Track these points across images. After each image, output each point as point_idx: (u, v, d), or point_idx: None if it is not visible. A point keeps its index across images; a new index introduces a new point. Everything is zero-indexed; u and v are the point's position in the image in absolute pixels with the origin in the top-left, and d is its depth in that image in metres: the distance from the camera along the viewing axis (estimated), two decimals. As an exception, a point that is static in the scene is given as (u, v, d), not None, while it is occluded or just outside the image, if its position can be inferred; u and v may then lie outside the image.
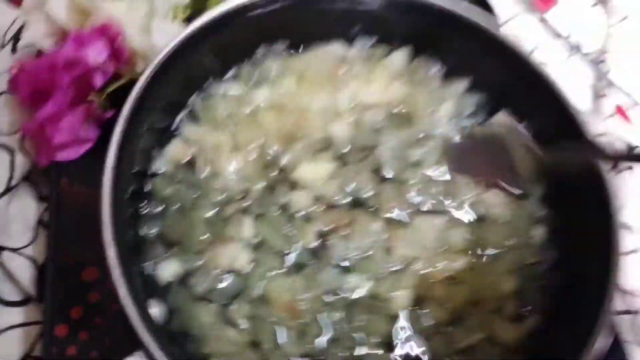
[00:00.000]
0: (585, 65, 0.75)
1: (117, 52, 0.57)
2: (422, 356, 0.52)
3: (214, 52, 0.57)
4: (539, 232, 0.57)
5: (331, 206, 0.55)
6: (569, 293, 0.53)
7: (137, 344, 0.44)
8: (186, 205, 0.55)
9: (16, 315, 0.57)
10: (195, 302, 0.51)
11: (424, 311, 0.53)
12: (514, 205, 0.57)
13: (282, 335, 0.51)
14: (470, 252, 0.55)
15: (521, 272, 0.55)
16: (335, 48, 0.62)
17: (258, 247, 0.54)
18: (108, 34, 0.56)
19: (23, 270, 0.58)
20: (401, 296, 0.52)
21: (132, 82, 0.52)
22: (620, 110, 0.71)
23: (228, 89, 0.60)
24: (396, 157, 0.58)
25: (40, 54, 0.63)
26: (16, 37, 0.67)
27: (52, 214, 0.58)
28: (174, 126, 0.58)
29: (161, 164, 0.57)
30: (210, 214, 0.54)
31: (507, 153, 0.57)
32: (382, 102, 0.60)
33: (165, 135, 0.58)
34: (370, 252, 0.54)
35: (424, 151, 0.58)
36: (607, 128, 0.69)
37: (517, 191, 0.58)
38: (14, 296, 0.58)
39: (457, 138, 0.60)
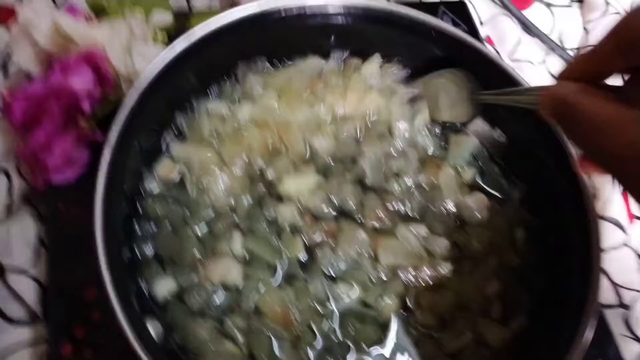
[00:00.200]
0: (564, 63, 0.76)
1: (103, 77, 0.58)
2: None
3: (195, 72, 0.58)
4: (520, 235, 0.58)
5: (317, 217, 0.57)
6: (554, 293, 0.54)
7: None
8: (178, 223, 0.56)
9: (23, 334, 0.58)
10: (191, 318, 0.53)
11: (412, 317, 0.54)
12: (495, 208, 0.58)
13: (278, 347, 0.52)
14: (453, 257, 0.56)
15: (505, 275, 0.56)
16: (312, 62, 0.63)
17: (249, 261, 0.55)
18: (93, 60, 0.57)
19: (27, 289, 0.60)
20: (389, 303, 0.53)
21: (118, 104, 0.53)
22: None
23: (211, 107, 0.60)
24: (377, 168, 0.58)
25: (30, 79, 0.64)
26: (6, 61, 0.68)
27: (51, 236, 0.60)
28: (163, 145, 0.59)
29: (152, 184, 0.58)
30: (200, 231, 0.55)
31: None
32: (358, 114, 0.61)
33: (155, 155, 0.59)
34: (357, 261, 0.55)
35: (403, 160, 0.59)
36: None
37: (497, 194, 0.60)
38: (20, 315, 0.59)
39: (432, 148, 0.61)
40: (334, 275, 0.55)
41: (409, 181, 0.59)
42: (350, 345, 0.53)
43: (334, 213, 0.57)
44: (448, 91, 0.59)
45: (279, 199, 0.57)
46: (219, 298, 0.53)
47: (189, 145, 0.59)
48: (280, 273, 0.54)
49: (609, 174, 0.38)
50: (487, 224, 0.58)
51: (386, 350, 0.53)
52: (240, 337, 0.52)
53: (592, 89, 0.38)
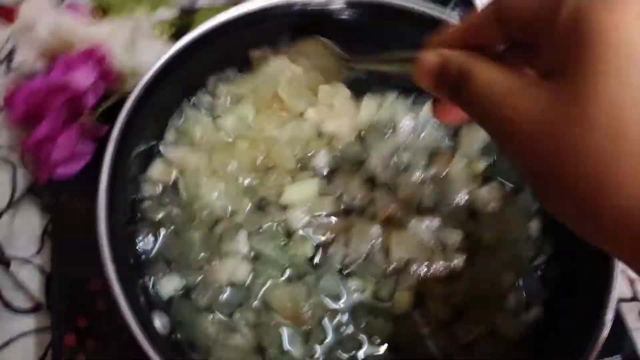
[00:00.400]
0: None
1: (105, 73, 0.57)
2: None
3: (201, 68, 0.58)
4: (534, 226, 0.57)
5: (327, 215, 0.56)
6: (569, 284, 0.53)
7: (144, 355, 0.45)
8: (179, 226, 0.55)
9: (27, 322, 0.59)
10: (198, 314, 0.52)
11: (426, 310, 0.53)
12: (508, 199, 0.57)
13: (288, 340, 0.51)
14: (467, 248, 0.55)
15: (519, 266, 0.55)
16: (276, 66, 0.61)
17: (256, 258, 0.54)
18: (95, 56, 0.57)
19: (32, 279, 0.60)
20: (403, 297, 0.53)
21: (123, 99, 0.53)
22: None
23: (193, 115, 0.60)
24: (386, 164, 0.58)
25: (33, 75, 0.63)
26: (9, 57, 0.67)
27: (55, 228, 0.60)
28: (161, 146, 0.59)
29: (147, 187, 0.57)
30: (202, 233, 0.55)
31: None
32: (350, 126, 0.60)
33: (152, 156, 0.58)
34: (369, 256, 0.54)
35: (412, 154, 0.58)
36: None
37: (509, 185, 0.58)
38: (25, 304, 0.59)
39: (441, 140, 0.61)
40: (346, 270, 0.54)
41: (419, 174, 0.58)
42: (363, 339, 0.52)
43: (344, 210, 0.56)
44: (316, 56, 0.56)
45: (283, 207, 0.56)
46: (226, 295, 0.53)
47: (181, 149, 0.58)
48: (289, 271, 0.54)
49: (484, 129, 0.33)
50: (500, 214, 0.56)
51: (399, 343, 0.52)
52: (248, 332, 0.51)
53: (483, 57, 0.33)
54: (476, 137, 0.60)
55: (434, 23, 0.56)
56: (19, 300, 0.60)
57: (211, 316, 0.52)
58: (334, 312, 0.53)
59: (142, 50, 0.59)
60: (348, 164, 0.59)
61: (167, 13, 0.65)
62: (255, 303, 0.52)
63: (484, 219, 0.57)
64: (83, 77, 0.56)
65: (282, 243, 0.55)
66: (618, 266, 0.48)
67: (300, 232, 0.55)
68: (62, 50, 0.60)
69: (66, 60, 0.57)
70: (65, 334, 0.55)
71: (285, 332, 0.52)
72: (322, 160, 0.58)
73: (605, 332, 0.47)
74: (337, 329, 0.52)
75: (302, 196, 0.56)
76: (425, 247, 0.55)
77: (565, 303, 0.53)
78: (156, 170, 0.58)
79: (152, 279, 0.53)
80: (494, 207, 0.57)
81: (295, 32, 0.58)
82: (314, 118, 0.60)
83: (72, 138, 0.58)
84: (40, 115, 0.58)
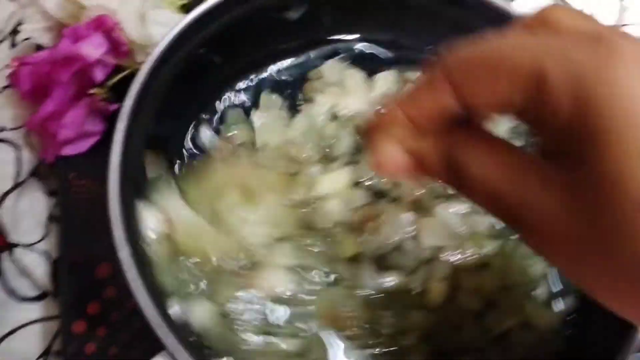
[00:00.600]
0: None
1: (116, 45, 0.54)
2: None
3: (216, 41, 0.54)
4: None
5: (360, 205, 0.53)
6: None
7: (157, 341, 0.41)
8: None
9: (34, 310, 0.56)
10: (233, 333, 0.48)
11: (457, 301, 0.51)
12: None
13: (330, 345, 0.48)
14: (495, 236, 0.53)
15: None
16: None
17: (297, 269, 0.51)
18: (104, 26, 0.54)
19: (37, 265, 0.57)
20: (436, 288, 0.51)
21: (133, 74, 0.49)
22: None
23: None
24: None
25: (40, 49, 0.60)
26: (15, 31, 0.64)
27: (62, 210, 0.57)
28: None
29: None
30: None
31: None
32: (366, 104, 0.57)
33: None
34: (400, 246, 0.51)
35: None
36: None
37: None
38: (30, 292, 0.57)
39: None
40: (379, 262, 0.51)
41: None
42: (399, 332, 0.50)
43: (371, 195, 0.54)
44: None
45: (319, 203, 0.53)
46: (268, 311, 0.49)
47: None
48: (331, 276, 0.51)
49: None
50: None
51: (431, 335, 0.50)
52: (290, 339, 0.48)
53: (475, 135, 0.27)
54: (503, 120, 0.57)
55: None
56: (24, 288, 0.57)
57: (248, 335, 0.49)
58: (372, 309, 0.50)
59: (152, 22, 0.55)
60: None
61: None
62: (299, 314, 0.49)
63: None
64: (92, 48, 0.52)
65: (323, 247, 0.52)
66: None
67: (339, 227, 0.52)
68: (70, 23, 0.56)
69: (74, 30, 0.53)
70: (74, 321, 0.52)
71: (327, 337, 0.48)
72: (343, 145, 0.56)
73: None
74: (374, 324, 0.49)
75: (334, 186, 0.53)
76: (454, 234, 0.52)
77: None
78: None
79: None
80: None
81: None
82: (325, 103, 0.57)
83: (80, 115, 0.55)
84: (46, 91, 0.55)
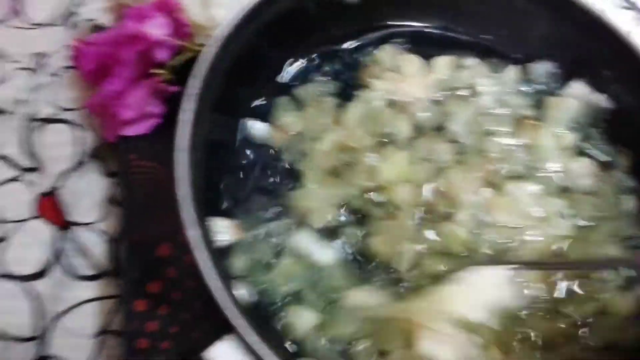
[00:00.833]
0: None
1: (179, 26, 0.54)
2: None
3: (282, 24, 0.54)
4: (631, 203, 0.54)
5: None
6: None
7: (219, 321, 0.41)
8: None
9: (91, 289, 0.57)
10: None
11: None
12: (600, 175, 0.55)
13: None
14: (567, 220, 0.52)
15: (621, 242, 0.52)
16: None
17: None
18: (167, 7, 0.54)
19: (96, 245, 0.58)
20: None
21: (195, 57, 0.49)
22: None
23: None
24: (469, 131, 0.55)
25: (100, 30, 0.61)
26: (76, 13, 0.65)
27: (123, 190, 0.57)
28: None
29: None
30: None
31: None
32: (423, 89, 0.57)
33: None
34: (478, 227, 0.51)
35: (495, 120, 0.56)
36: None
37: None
38: (88, 270, 0.57)
39: (526, 108, 0.57)
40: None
41: (506, 140, 0.55)
42: None
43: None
44: None
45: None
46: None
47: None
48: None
49: None
50: (593, 191, 0.54)
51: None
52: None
53: None
54: (565, 108, 0.57)
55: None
56: (82, 267, 0.58)
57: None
58: None
59: (217, 4, 0.55)
60: (428, 130, 0.56)
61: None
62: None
63: (576, 194, 0.54)
64: (156, 28, 0.52)
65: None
66: None
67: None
68: (131, 4, 0.56)
69: (138, 10, 0.53)
70: (136, 300, 0.52)
71: None
72: (401, 130, 0.55)
73: None
74: None
75: (395, 171, 0.52)
76: (528, 215, 0.52)
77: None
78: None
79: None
80: (586, 182, 0.54)
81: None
82: (382, 89, 0.57)
83: (141, 96, 0.55)
84: (108, 71, 0.55)
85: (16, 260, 0.57)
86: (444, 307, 0.46)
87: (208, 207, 0.48)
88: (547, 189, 0.53)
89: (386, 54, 0.59)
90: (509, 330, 0.47)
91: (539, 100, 0.58)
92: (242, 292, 0.47)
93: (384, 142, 0.55)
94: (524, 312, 0.48)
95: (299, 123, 0.55)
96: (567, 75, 0.58)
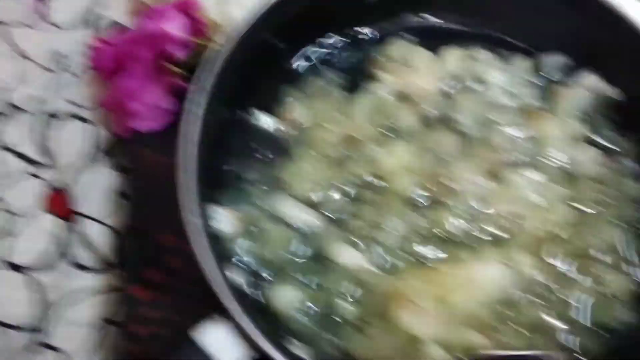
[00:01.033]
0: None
1: (197, 25, 0.56)
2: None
3: (299, 22, 0.55)
4: (636, 188, 0.53)
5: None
6: None
7: (218, 308, 0.42)
8: None
9: (96, 281, 0.58)
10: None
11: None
12: (609, 165, 0.54)
13: None
14: (570, 207, 0.52)
15: (627, 226, 0.52)
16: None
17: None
18: (187, 7, 0.56)
19: (102, 238, 0.59)
20: (523, 260, 0.49)
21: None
22: None
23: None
24: (477, 122, 0.55)
25: (120, 30, 0.63)
26: (97, 14, 0.68)
27: (133, 183, 0.58)
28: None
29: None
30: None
31: None
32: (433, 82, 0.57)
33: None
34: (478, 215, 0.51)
35: (503, 111, 0.56)
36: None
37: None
38: (93, 263, 0.58)
39: (535, 99, 0.57)
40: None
41: (513, 132, 0.55)
42: None
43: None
44: None
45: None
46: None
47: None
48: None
49: None
50: (601, 178, 0.53)
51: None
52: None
53: None
54: (574, 99, 0.57)
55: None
56: (88, 259, 0.59)
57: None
58: None
59: (235, 2, 0.57)
60: (436, 122, 0.56)
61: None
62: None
63: (581, 180, 0.54)
64: (175, 27, 0.54)
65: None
66: None
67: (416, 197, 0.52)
68: (150, 4, 0.59)
69: (158, 10, 0.56)
70: (136, 288, 0.53)
71: None
72: (408, 123, 0.56)
73: None
74: None
75: (398, 162, 0.53)
76: (530, 203, 0.52)
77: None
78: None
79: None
80: (593, 171, 0.54)
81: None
82: (391, 82, 0.57)
83: (157, 93, 0.57)
84: (126, 67, 0.57)
85: (23, 252, 0.59)
86: (432, 288, 0.46)
87: (209, 195, 0.49)
88: (552, 178, 0.53)
89: (396, 47, 0.59)
90: (496, 317, 0.47)
91: (548, 92, 0.57)
92: (238, 277, 0.48)
93: (389, 135, 0.55)
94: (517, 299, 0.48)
95: (306, 114, 0.56)
96: (577, 66, 0.58)
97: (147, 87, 0.56)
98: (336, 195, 0.52)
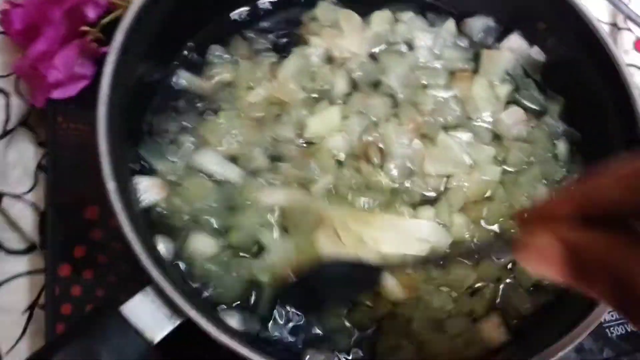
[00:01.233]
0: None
1: (110, -17, 0.54)
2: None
3: None
4: (561, 148, 0.56)
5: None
6: None
7: (144, 280, 0.40)
8: None
9: (21, 263, 0.54)
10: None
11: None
12: (533, 122, 0.56)
13: None
14: (498, 165, 0.54)
15: (552, 186, 0.54)
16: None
17: None
18: (98, -37, 0.53)
19: (25, 217, 0.55)
20: (459, 222, 0.51)
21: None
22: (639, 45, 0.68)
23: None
24: (404, 84, 0.55)
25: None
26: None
27: (51, 154, 0.55)
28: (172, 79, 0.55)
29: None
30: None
31: None
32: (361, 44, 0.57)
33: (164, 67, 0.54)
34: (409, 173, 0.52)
35: (431, 72, 0.56)
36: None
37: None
38: (18, 244, 0.55)
39: (461, 61, 0.58)
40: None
41: (440, 93, 0.55)
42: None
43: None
44: None
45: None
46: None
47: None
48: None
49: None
50: (526, 137, 0.55)
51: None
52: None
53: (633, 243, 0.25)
54: (499, 61, 0.58)
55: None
56: (13, 241, 0.55)
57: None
58: None
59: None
60: (365, 85, 0.56)
61: None
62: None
63: (508, 141, 0.55)
64: (85, -17, 0.51)
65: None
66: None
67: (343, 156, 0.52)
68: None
69: (66, -32, 0.52)
70: (60, 265, 0.51)
71: None
72: (337, 86, 0.55)
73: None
74: None
75: (326, 125, 0.52)
76: (458, 163, 0.52)
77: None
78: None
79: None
80: (518, 130, 0.55)
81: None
82: (319, 45, 0.57)
83: (70, 57, 0.53)
84: (38, 32, 0.53)
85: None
86: (357, 227, 0.47)
87: (131, 158, 0.48)
88: (479, 138, 0.54)
89: (324, 10, 0.58)
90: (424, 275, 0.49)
91: (475, 54, 0.59)
92: (163, 247, 0.47)
93: (318, 97, 0.55)
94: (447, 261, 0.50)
95: (230, 74, 0.55)
96: (503, 29, 0.59)
97: (59, 51, 0.53)
98: (258, 153, 0.51)
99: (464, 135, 0.53)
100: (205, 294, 0.47)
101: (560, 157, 0.55)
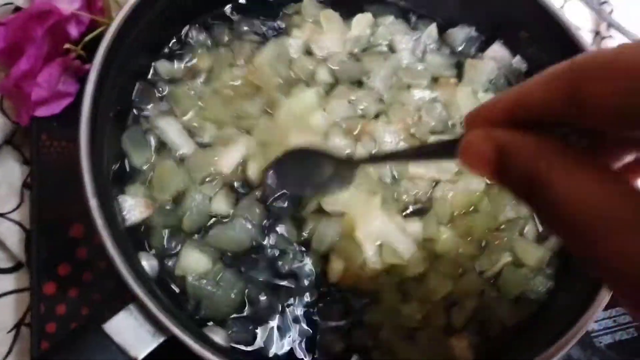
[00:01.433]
0: (586, 6, 0.73)
1: (91, 1, 0.54)
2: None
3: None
4: None
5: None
6: None
7: (128, 298, 0.40)
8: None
9: (8, 282, 0.54)
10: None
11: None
12: None
13: None
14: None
15: None
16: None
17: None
18: (80, -18, 0.54)
19: (12, 235, 0.55)
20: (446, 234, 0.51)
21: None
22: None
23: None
24: (388, 85, 0.56)
25: (17, 11, 0.60)
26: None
27: (35, 171, 0.55)
28: (150, 71, 0.55)
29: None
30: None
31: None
32: (341, 43, 0.58)
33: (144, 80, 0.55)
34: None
35: (414, 74, 0.57)
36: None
37: None
38: (5, 263, 0.55)
39: (444, 67, 0.59)
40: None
41: (424, 93, 0.56)
42: None
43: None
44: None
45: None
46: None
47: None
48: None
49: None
50: None
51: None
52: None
53: (554, 146, 0.26)
54: (482, 70, 0.59)
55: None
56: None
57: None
58: None
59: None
60: (346, 82, 0.56)
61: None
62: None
63: None
64: (67, 2, 0.51)
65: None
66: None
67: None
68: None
69: (48, -14, 0.53)
70: (45, 283, 0.50)
71: None
72: (319, 75, 0.57)
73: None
74: None
75: (301, 105, 0.53)
76: (443, 168, 0.53)
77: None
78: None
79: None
80: None
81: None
82: (300, 37, 0.58)
83: (54, 74, 0.54)
84: (21, 51, 0.54)
85: None
86: None
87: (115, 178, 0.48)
88: None
89: (308, 5, 0.59)
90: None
91: (458, 63, 0.59)
92: (146, 263, 0.47)
93: (293, 85, 0.56)
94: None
95: (209, 61, 0.56)
96: (485, 38, 0.60)
97: (42, 68, 0.53)
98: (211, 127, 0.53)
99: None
100: (194, 310, 0.47)
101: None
